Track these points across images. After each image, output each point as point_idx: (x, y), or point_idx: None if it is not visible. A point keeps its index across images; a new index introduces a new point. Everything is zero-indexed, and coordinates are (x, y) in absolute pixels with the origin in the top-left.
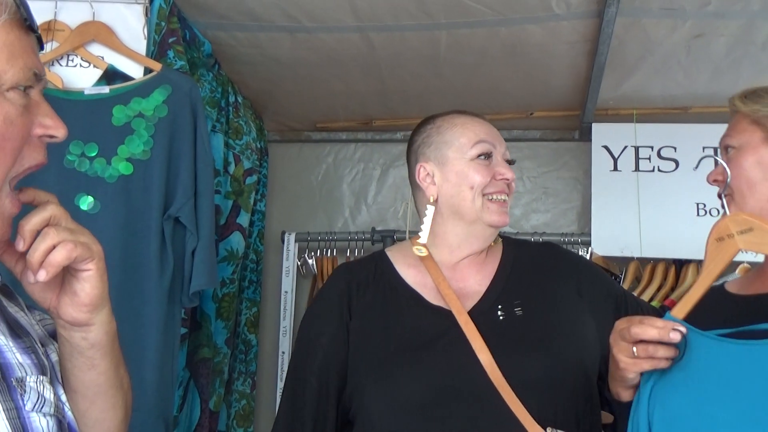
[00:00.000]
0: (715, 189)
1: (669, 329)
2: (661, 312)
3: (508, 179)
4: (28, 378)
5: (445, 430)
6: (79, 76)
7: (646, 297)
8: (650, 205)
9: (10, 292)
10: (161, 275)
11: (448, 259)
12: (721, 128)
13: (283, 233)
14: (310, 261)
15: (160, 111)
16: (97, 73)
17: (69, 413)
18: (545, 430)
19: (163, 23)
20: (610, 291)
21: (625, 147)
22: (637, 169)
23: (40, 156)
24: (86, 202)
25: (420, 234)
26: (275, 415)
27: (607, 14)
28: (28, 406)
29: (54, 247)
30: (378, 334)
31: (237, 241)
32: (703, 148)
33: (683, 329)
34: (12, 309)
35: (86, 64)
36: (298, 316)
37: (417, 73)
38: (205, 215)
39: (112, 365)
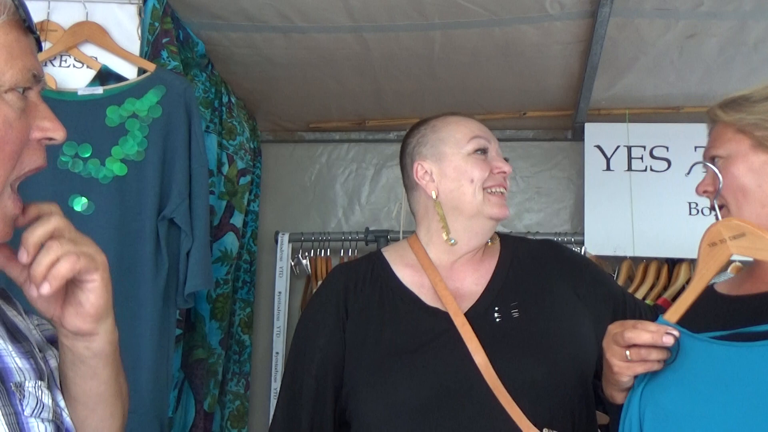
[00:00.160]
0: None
1: (662, 333)
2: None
3: (505, 172)
4: (26, 383)
5: None
6: (73, 77)
7: (638, 296)
8: (643, 205)
9: (8, 296)
10: (156, 276)
11: (445, 258)
12: None
13: (277, 233)
14: (303, 261)
15: (154, 111)
16: (91, 73)
17: (67, 419)
18: (541, 431)
19: (156, 23)
20: (610, 293)
21: (618, 147)
22: (629, 168)
23: (39, 159)
24: (80, 203)
25: (443, 233)
26: (269, 415)
27: (601, 15)
28: (27, 411)
29: (57, 259)
30: (374, 335)
31: (231, 241)
32: (695, 147)
33: (676, 333)
34: (11, 313)
35: (79, 65)
36: (292, 317)
37: (411, 73)
38: (200, 216)
39: (113, 374)
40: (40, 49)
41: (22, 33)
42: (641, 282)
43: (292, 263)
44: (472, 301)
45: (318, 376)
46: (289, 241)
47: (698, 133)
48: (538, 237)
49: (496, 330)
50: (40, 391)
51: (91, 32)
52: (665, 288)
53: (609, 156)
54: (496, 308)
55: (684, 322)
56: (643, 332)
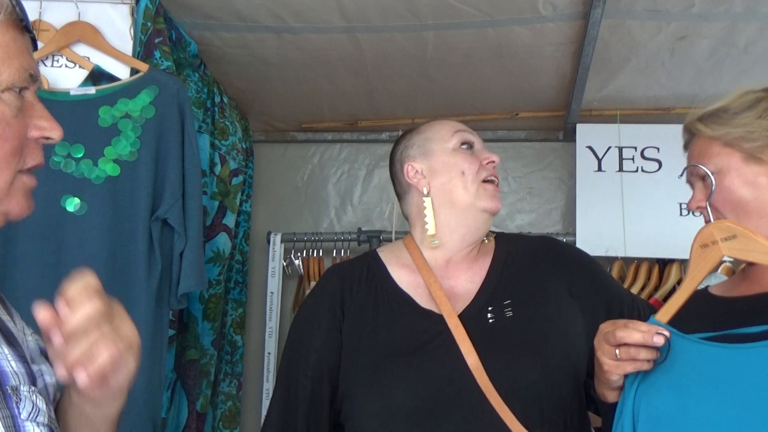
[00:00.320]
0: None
1: (653, 333)
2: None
3: (494, 161)
4: (22, 387)
5: None
6: (65, 77)
7: None
8: (634, 205)
9: (1, 298)
10: (149, 277)
11: (440, 257)
12: None
13: (269, 234)
14: (296, 261)
15: (147, 112)
16: (83, 73)
17: None
18: None
19: (149, 23)
20: (606, 292)
21: (609, 147)
22: (621, 169)
23: (38, 157)
24: (73, 204)
25: (426, 227)
26: (261, 416)
27: (593, 16)
28: (24, 415)
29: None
30: (369, 337)
31: (223, 242)
32: None
33: (667, 333)
34: (4, 317)
35: (72, 65)
36: (284, 317)
37: (404, 74)
38: (193, 216)
39: (112, 428)
40: (35, 48)
41: (19, 32)
42: (632, 282)
43: (285, 263)
44: (467, 301)
45: (314, 378)
46: (281, 242)
47: None
48: None
49: (489, 331)
50: (35, 396)
51: (84, 32)
52: (656, 288)
53: (600, 157)
54: (490, 308)
55: (678, 323)
56: (634, 332)
